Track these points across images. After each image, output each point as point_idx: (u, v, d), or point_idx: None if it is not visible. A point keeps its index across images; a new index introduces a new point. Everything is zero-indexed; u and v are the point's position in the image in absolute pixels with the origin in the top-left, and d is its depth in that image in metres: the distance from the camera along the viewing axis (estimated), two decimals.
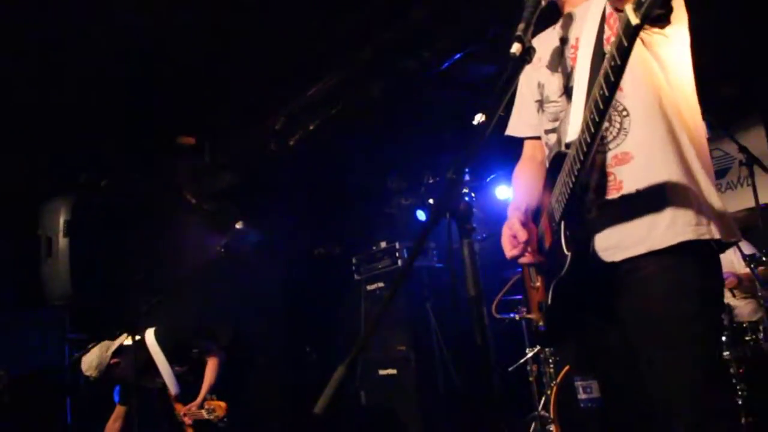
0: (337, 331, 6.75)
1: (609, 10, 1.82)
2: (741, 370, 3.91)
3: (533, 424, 4.73)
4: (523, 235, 1.90)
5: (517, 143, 2.27)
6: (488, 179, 6.93)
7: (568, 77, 1.95)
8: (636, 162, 1.77)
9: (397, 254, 6.13)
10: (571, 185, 1.71)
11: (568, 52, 1.97)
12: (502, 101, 1.74)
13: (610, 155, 1.80)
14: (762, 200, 3.81)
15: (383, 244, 6.33)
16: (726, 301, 4.31)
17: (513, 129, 2.22)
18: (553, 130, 2.00)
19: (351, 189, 7.20)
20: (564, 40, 2.01)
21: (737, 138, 3.92)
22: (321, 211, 7.05)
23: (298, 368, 4.27)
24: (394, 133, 6.30)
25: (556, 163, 1.83)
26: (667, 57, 1.81)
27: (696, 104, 1.84)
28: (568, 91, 1.93)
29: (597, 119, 1.59)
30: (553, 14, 2.09)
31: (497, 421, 5.01)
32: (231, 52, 4.70)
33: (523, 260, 1.95)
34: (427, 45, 4.39)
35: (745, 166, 3.75)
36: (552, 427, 4.21)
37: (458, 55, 4.43)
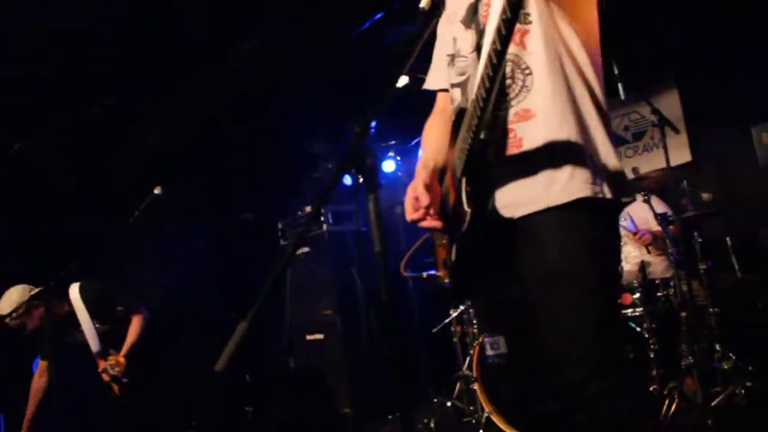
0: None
1: None
2: (653, 325, 4.05)
3: (458, 384, 4.82)
4: (425, 200, 1.89)
5: None
6: (413, 142, 6.94)
7: (480, 34, 1.91)
8: (537, 119, 1.77)
9: (322, 219, 6.09)
10: (470, 141, 1.71)
11: (481, 9, 1.94)
12: (411, 56, 1.73)
13: (512, 112, 1.79)
14: (673, 162, 3.92)
15: (308, 209, 6.28)
16: (642, 258, 4.46)
17: (427, 83, 2.19)
18: (458, 84, 1.97)
19: (278, 154, 7.11)
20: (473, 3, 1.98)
21: (652, 101, 4.01)
22: (248, 177, 6.95)
23: (225, 333, 4.23)
24: (318, 97, 6.22)
25: (459, 118, 1.83)
26: (575, 16, 1.82)
27: (599, 65, 1.84)
28: (478, 49, 1.90)
29: (491, 74, 1.59)
30: None
31: (423, 382, 5.15)
32: (151, 12, 4.53)
33: (423, 224, 1.93)
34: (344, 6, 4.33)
35: (658, 128, 3.85)
36: (476, 386, 4.28)
37: (378, 15, 4.37)
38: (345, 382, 5.62)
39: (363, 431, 5.27)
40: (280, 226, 6.46)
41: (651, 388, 4.01)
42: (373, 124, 1.69)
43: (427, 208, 1.89)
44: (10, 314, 4.07)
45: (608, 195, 1.73)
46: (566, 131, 1.74)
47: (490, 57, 1.57)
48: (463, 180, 1.76)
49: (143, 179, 5.28)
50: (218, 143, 6.49)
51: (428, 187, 1.92)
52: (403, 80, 5.69)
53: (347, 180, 7.25)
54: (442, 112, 2.15)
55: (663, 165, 4.00)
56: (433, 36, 1.91)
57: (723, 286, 4.23)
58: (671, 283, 4.16)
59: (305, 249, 6.20)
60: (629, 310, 4.21)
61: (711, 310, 4.10)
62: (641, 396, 1.84)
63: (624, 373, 1.70)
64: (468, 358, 4.76)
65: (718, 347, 4.04)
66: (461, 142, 1.77)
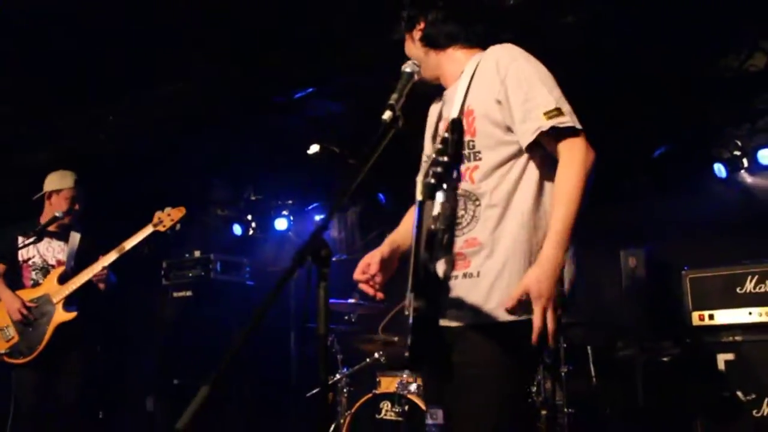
0: (133, 332, 6.60)
1: (469, 105, 2.15)
2: None
3: None
4: (374, 270, 2.27)
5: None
6: (310, 207, 7.14)
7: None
8: (482, 248, 2.08)
9: (210, 266, 6.12)
10: (418, 265, 1.91)
11: (441, 127, 2.30)
12: (370, 158, 1.98)
13: (462, 239, 2.10)
14: None
15: (197, 253, 6.29)
16: None
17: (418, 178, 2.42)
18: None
19: (170, 188, 7.06)
20: (439, 116, 2.35)
21: None
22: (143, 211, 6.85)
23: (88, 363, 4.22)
24: (227, 143, 6.31)
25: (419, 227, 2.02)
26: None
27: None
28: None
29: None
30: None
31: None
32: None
33: (362, 287, 2.31)
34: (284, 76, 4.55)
35: None
36: None
37: (310, 89, 4.61)
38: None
39: None
40: (164, 265, 6.41)
41: None
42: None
43: (373, 278, 2.26)
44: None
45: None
46: (506, 261, 2.03)
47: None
48: (412, 295, 1.92)
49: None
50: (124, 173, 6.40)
51: (384, 262, 2.28)
52: (314, 148, 5.93)
53: (236, 229, 7.39)
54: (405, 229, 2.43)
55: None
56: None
57: (578, 390, 4.61)
58: (535, 382, 4.50)
59: (187, 293, 6.19)
60: None
61: (566, 410, 4.46)
62: None
63: None
64: (333, 426, 4.89)
65: None
66: (413, 258, 1.95)
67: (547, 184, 2.10)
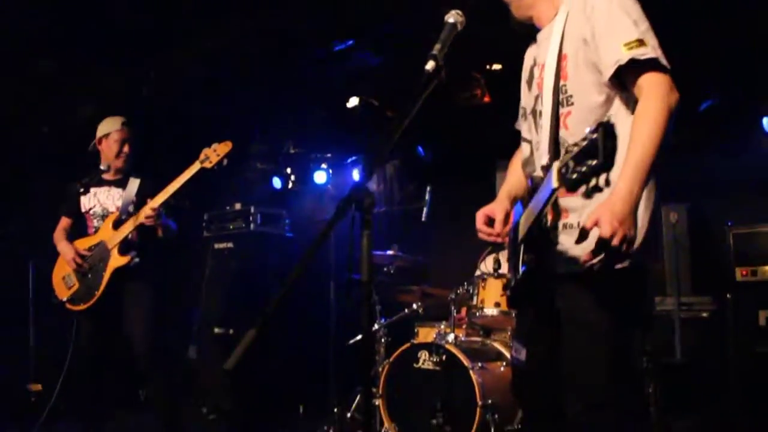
0: (178, 283, 6.74)
1: (564, 49, 2.13)
2: None
3: (359, 397, 5.02)
4: (498, 228, 2.37)
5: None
6: (348, 160, 7.15)
7: (535, 99, 2.27)
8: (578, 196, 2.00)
9: (250, 218, 6.20)
10: (533, 220, 2.06)
11: (536, 73, 2.28)
12: (412, 109, 2.01)
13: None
14: None
15: (238, 206, 6.38)
16: None
17: (518, 124, 2.50)
18: (527, 140, 2.36)
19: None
20: (534, 60, 2.32)
21: None
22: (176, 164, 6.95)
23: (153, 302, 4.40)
24: (266, 96, 6.33)
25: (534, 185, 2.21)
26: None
27: None
28: (534, 113, 2.27)
29: None
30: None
31: (326, 390, 5.34)
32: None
33: (483, 236, 2.43)
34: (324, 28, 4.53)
35: None
36: (378, 401, 4.50)
37: (350, 42, 4.59)
38: (246, 382, 5.73)
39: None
40: (206, 217, 6.52)
41: None
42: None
43: (495, 234, 2.38)
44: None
45: (627, 264, 1.99)
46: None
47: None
48: (522, 246, 2.14)
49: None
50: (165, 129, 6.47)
51: (506, 216, 2.38)
52: (353, 101, 5.93)
53: (276, 183, 7.46)
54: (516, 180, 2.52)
55: None
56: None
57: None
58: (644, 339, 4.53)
59: (228, 244, 6.30)
60: None
61: None
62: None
63: (614, 415, 2.03)
64: (372, 375, 4.99)
65: None
66: (528, 211, 2.11)
67: None
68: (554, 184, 1.71)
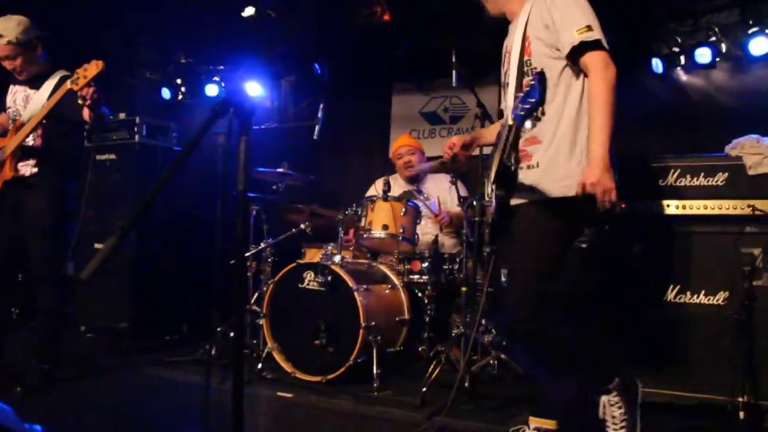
0: None
1: (527, 32, 2.77)
2: (434, 293, 4.47)
3: (243, 317, 4.95)
4: (456, 148, 3.20)
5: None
6: (242, 74, 6.87)
7: (504, 75, 2.92)
8: (540, 145, 2.74)
9: (135, 129, 5.87)
10: (499, 157, 2.61)
11: (506, 56, 2.92)
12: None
13: (523, 139, 2.76)
14: (485, 151, 4.29)
15: (122, 116, 6.02)
16: (437, 233, 4.88)
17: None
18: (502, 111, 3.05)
19: (94, 48, 6.66)
20: (506, 48, 2.95)
21: (477, 92, 4.35)
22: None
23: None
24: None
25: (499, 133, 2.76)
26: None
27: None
28: (505, 86, 2.90)
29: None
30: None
31: (209, 309, 5.24)
32: None
33: (445, 152, 3.24)
34: None
35: (478, 119, 4.20)
36: (262, 321, 4.45)
37: None
38: (125, 296, 5.56)
39: (140, 346, 5.26)
40: (87, 126, 6.11)
41: (420, 349, 4.45)
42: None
43: (452, 149, 3.19)
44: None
45: (569, 194, 2.61)
46: (557, 152, 2.69)
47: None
48: (492, 184, 2.64)
49: None
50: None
51: (464, 145, 3.21)
52: (248, 11, 5.64)
53: (165, 93, 7.10)
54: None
55: (475, 152, 4.34)
56: None
57: (498, 271, 4.72)
58: (457, 259, 4.59)
59: (111, 156, 5.97)
60: (416, 276, 4.61)
61: (486, 289, 4.57)
62: (546, 326, 2.69)
63: (535, 310, 2.66)
64: (257, 294, 4.93)
65: (483, 322, 4.54)
66: (497, 151, 2.65)
67: (585, 92, 2.68)
68: (509, 121, 2.48)
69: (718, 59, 5.24)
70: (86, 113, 3.82)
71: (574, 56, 2.63)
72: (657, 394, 3.54)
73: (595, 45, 2.59)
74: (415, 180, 5.38)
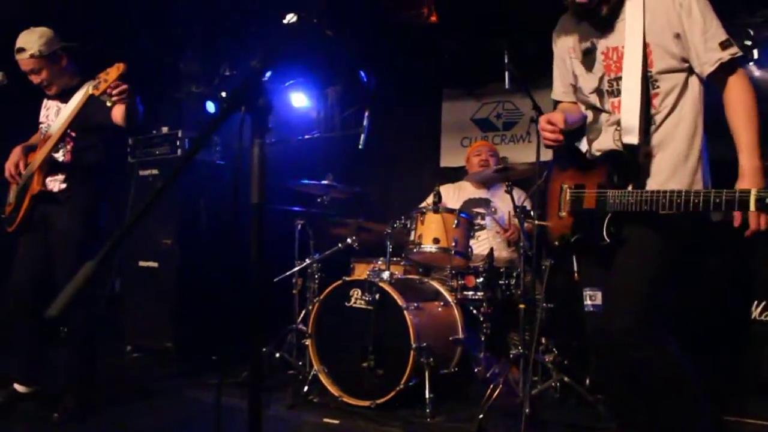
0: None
1: (647, 39, 2.46)
2: (490, 310, 4.18)
3: (289, 336, 4.75)
4: (560, 125, 2.61)
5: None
6: (287, 84, 6.70)
7: (600, 80, 2.60)
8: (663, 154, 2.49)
9: (178, 143, 5.74)
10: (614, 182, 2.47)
11: (600, 58, 2.58)
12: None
13: (643, 151, 2.49)
14: (543, 158, 4.00)
15: (164, 130, 5.91)
16: (491, 244, 4.58)
17: (556, 94, 2.92)
18: (592, 107, 2.70)
19: (138, 62, 6.59)
20: (594, 44, 2.60)
21: (533, 94, 4.06)
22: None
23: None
24: (199, 12, 5.81)
25: (610, 158, 2.53)
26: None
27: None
28: (600, 92, 2.60)
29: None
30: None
31: (254, 328, 5.03)
32: None
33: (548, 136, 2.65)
34: None
35: (534, 122, 3.90)
36: (308, 342, 4.23)
37: None
38: (168, 316, 5.40)
39: (183, 367, 5.08)
40: (130, 141, 6.03)
41: (476, 370, 4.16)
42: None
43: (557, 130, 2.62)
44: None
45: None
46: (675, 163, 2.46)
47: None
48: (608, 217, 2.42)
49: None
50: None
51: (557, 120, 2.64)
52: (290, 17, 5.44)
53: (210, 107, 6.99)
54: (570, 107, 2.85)
55: (530, 159, 4.07)
56: None
57: (558, 285, 4.42)
58: (514, 274, 4.29)
59: (153, 171, 5.85)
60: (470, 292, 4.31)
61: (544, 305, 4.26)
62: (659, 348, 2.38)
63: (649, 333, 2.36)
64: (304, 312, 4.72)
65: (543, 341, 4.23)
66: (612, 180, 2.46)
67: (702, 102, 2.49)
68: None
69: None
70: (117, 114, 3.65)
71: (716, 72, 2.41)
72: (742, 423, 3.18)
73: (740, 62, 2.41)
74: (486, 185, 5.07)
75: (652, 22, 2.44)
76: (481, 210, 4.92)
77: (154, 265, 5.57)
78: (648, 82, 2.48)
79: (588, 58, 2.63)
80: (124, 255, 5.79)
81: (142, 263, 5.64)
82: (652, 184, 2.46)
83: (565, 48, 2.73)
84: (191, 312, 5.39)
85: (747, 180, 2.27)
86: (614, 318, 2.40)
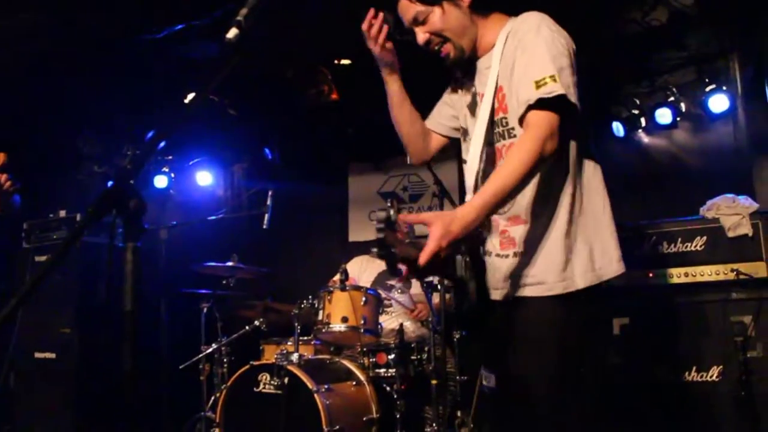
0: None
1: (499, 82, 2.12)
2: (403, 387, 4.11)
3: (197, 425, 4.53)
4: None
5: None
6: (191, 162, 6.61)
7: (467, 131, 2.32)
8: (525, 225, 2.13)
9: (76, 227, 5.52)
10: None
11: (479, 102, 2.22)
12: (212, 84, 1.66)
13: (505, 217, 2.17)
14: None
15: (62, 213, 5.67)
16: (401, 320, 4.54)
17: (428, 122, 2.52)
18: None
19: (37, 143, 6.37)
20: (475, 87, 2.26)
21: (434, 169, 4.12)
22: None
23: None
24: (96, 91, 5.68)
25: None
26: None
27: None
28: (465, 139, 2.35)
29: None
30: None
31: (161, 419, 4.81)
32: None
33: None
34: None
35: (437, 197, 3.96)
36: (216, 431, 4.03)
37: (179, 26, 4.09)
38: (72, 409, 5.07)
39: None
40: (25, 226, 5.75)
41: None
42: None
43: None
44: None
45: (580, 285, 2.05)
46: (549, 234, 2.08)
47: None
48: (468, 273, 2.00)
49: None
50: None
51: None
52: (190, 96, 5.39)
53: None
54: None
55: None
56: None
57: (471, 357, 4.41)
58: (425, 348, 4.25)
59: (50, 257, 5.58)
60: (382, 370, 4.23)
61: (458, 378, 4.23)
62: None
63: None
64: (212, 400, 4.53)
65: (459, 414, 4.17)
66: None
67: (586, 162, 2.16)
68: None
69: (678, 119, 5.10)
70: None
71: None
72: None
73: (552, 104, 1.95)
74: None
75: (505, 60, 2.12)
76: (394, 283, 4.89)
77: (52, 356, 5.25)
78: (494, 132, 2.17)
79: (473, 104, 2.33)
80: (18, 347, 5.45)
81: (38, 355, 5.31)
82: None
83: (462, 91, 2.43)
84: (93, 405, 5.08)
85: (448, 216, 1.86)
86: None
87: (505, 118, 2.12)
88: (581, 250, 2.07)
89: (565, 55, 1.99)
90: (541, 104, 1.92)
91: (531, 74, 1.95)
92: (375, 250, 1.80)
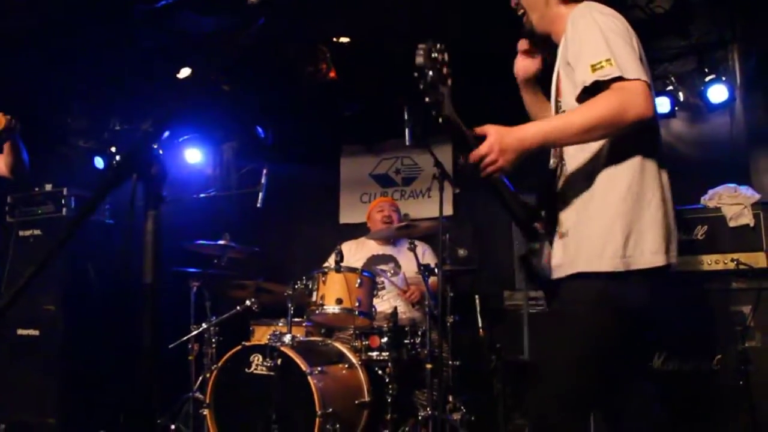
0: None
1: (558, 67, 2.22)
2: (395, 370, 4.07)
3: (185, 405, 4.47)
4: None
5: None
6: (180, 139, 6.49)
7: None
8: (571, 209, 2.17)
9: (63, 201, 5.39)
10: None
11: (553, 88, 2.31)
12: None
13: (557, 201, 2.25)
14: (445, 212, 4.00)
15: (48, 187, 5.55)
16: (395, 303, 4.50)
17: None
18: None
19: (22, 115, 6.23)
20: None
21: (433, 150, 4.06)
22: None
23: None
24: (85, 64, 5.55)
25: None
26: None
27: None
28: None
29: None
30: None
31: (145, 400, 4.71)
32: None
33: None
34: None
35: (437, 179, 3.90)
36: (206, 411, 3.97)
37: None
38: (54, 388, 4.99)
39: None
40: (9, 200, 5.63)
41: None
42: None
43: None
44: None
45: (604, 268, 2.02)
46: (593, 218, 2.08)
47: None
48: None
49: None
50: None
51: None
52: (185, 72, 5.29)
53: (99, 162, 6.68)
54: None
55: (431, 214, 4.05)
56: None
57: (464, 341, 4.38)
58: (419, 332, 4.21)
59: (35, 231, 5.47)
60: (375, 353, 4.19)
61: (451, 362, 4.20)
62: None
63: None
64: (201, 380, 4.47)
65: (451, 399, 4.15)
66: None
67: (647, 162, 2.13)
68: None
69: (677, 108, 5.07)
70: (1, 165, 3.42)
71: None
72: None
73: (614, 81, 1.96)
74: (391, 241, 5.00)
75: (562, 48, 2.21)
76: (385, 267, 4.85)
77: (35, 333, 5.16)
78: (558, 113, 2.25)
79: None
80: (0, 323, 5.35)
81: (21, 331, 5.21)
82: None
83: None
84: (77, 383, 5.00)
85: (506, 129, 1.97)
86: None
87: (559, 101, 2.22)
88: (617, 236, 2.03)
89: (621, 36, 2.01)
90: (600, 86, 1.95)
91: (586, 59, 1.98)
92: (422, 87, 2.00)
